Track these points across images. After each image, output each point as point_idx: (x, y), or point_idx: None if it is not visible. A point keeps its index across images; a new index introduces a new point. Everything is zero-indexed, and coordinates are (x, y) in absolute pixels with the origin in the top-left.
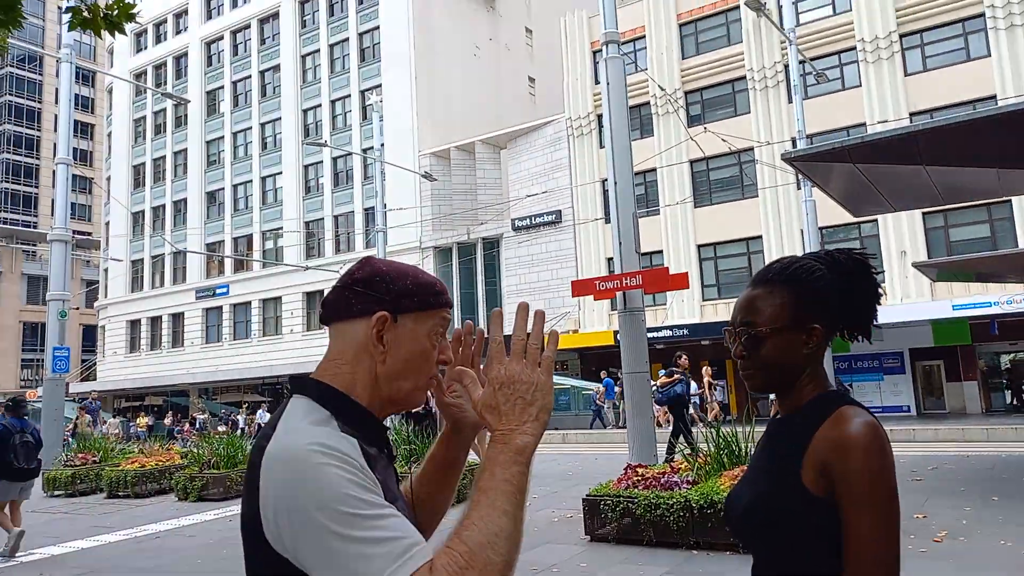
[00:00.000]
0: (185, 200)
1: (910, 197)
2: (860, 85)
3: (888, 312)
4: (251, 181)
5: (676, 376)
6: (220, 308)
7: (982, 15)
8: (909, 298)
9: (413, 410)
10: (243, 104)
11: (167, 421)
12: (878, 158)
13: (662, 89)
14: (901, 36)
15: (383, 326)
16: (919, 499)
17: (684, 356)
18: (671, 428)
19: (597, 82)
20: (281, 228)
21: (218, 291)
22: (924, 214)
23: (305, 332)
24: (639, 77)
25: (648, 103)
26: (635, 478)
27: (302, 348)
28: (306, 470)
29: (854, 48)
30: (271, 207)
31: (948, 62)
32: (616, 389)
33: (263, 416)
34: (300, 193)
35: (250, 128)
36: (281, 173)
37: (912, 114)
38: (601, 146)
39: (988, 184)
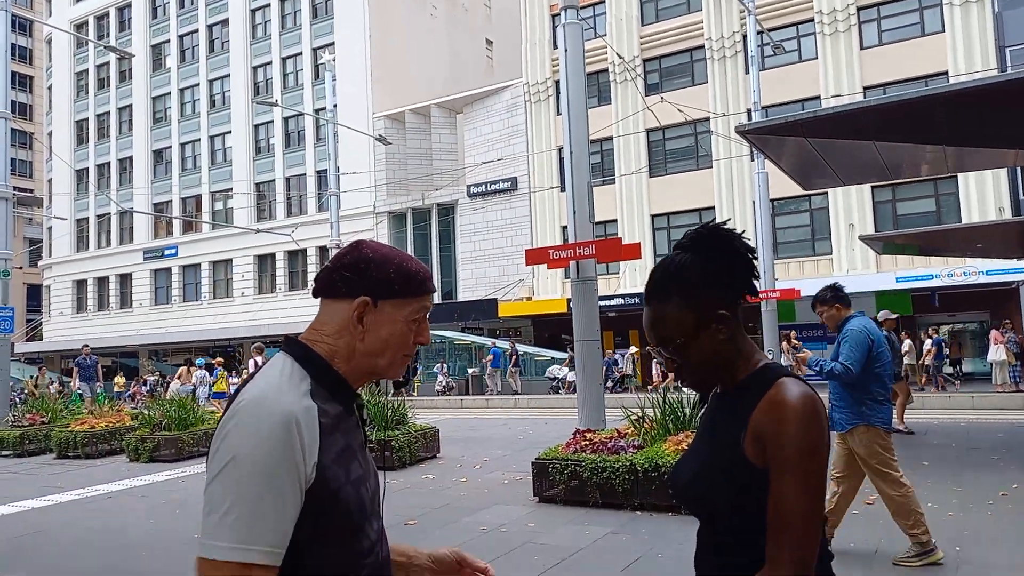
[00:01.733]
0: (131, 158)
1: (859, 172)
2: (816, 58)
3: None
4: (199, 140)
5: None
6: (169, 270)
7: None
8: (855, 270)
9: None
10: (190, 59)
11: (120, 382)
12: (829, 132)
13: (620, 57)
14: (859, 9)
15: (364, 309)
16: None
17: None
18: None
19: (556, 47)
20: (231, 189)
21: (166, 252)
22: (873, 188)
23: (256, 295)
24: (598, 43)
25: (606, 70)
26: (583, 442)
27: (254, 311)
28: (257, 427)
29: (812, 20)
30: (220, 167)
31: (903, 36)
32: (503, 358)
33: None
34: (250, 153)
35: (198, 85)
36: (230, 132)
37: (866, 88)
38: (558, 113)
39: (935, 161)
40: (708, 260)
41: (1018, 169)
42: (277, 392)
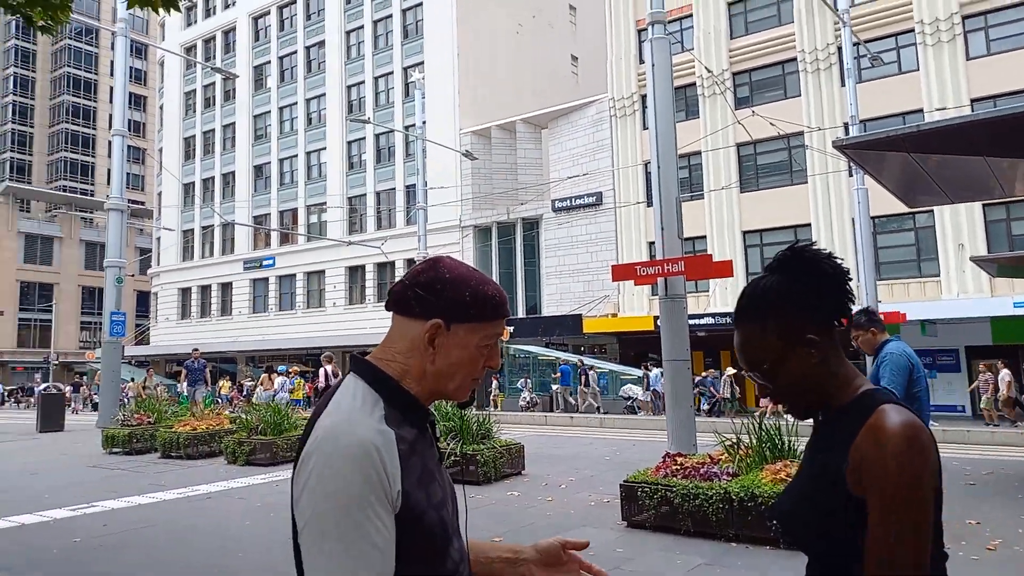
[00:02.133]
0: (233, 173)
1: (968, 189)
2: (918, 69)
3: (943, 307)
4: (296, 156)
5: None
6: (266, 279)
7: None
8: (966, 293)
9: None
10: (289, 79)
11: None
12: (935, 147)
13: (708, 71)
14: (963, 18)
15: (436, 332)
16: (973, 504)
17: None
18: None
19: (642, 61)
20: (325, 203)
21: (264, 263)
22: (984, 206)
23: (347, 306)
24: (685, 57)
25: (694, 84)
26: (674, 467)
27: (344, 321)
28: (341, 464)
29: (912, 30)
30: (315, 182)
31: (1013, 46)
32: (572, 375)
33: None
34: (343, 169)
35: (296, 103)
36: (325, 148)
37: (973, 100)
38: (644, 127)
39: None
40: (794, 281)
41: None
42: (351, 422)
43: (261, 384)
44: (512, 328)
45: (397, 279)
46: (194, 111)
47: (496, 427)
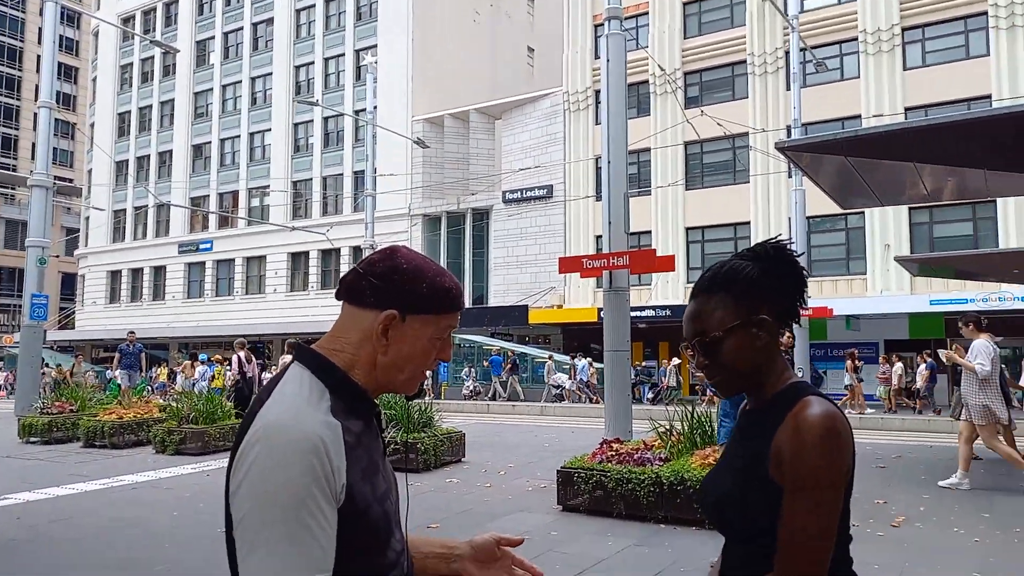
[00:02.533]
0: (170, 152)
1: (898, 193)
2: (859, 76)
3: (867, 304)
4: (239, 136)
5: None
6: (203, 264)
7: (984, 13)
8: (889, 291)
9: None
10: (234, 56)
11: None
12: (870, 152)
13: (661, 69)
14: (903, 29)
15: (390, 323)
16: (881, 486)
17: (789, 334)
18: None
19: (597, 57)
20: (268, 186)
21: (201, 246)
22: (910, 209)
23: (289, 293)
24: (639, 54)
25: (647, 81)
26: (609, 452)
27: (285, 308)
28: (284, 455)
29: (855, 39)
30: (258, 164)
31: (947, 59)
32: (505, 365)
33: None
34: (289, 152)
35: (240, 82)
36: (270, 130)
37: (907, 109)
38: (597, 122)
39: (976, 184)
40: (765, 269)
41: None
42: (297, 414)
43: (182, 372)
44: (458, 317)
45: (343, 267)
46: (130, 85)
47: (438, 415)
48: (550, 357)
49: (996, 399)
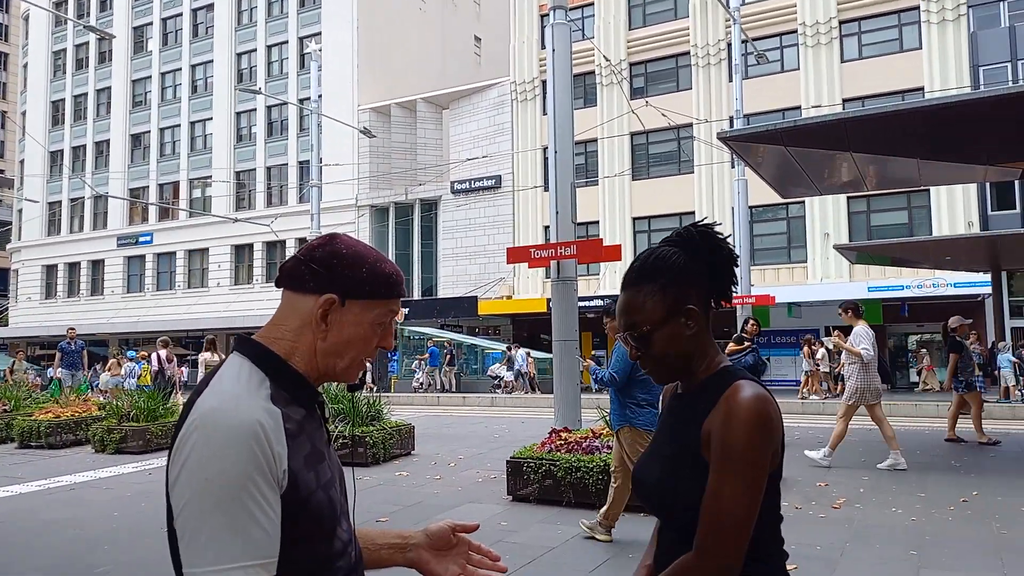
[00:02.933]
0: (108, 141)
1: (836, 182)
2: (798, 68)
3: (808, 291)
4: (179, 125)
5: (747, 344)
6: (143, 257)
7: (916, 8)
8: (829, 278)
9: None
10: (173, 43)
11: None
12: (808, 142)
13: (607, 59)
14: (840, 23)
15: (329, 307)
16: (822, 468)
17: (753, 321)
18: None
19: (544, 47)
20: (210, 177)
21: (141, 239)
22: (848, 199)
23: (232, 286)
24: (585, 45)
25: (593, 72)
26: (558, 442)
27: (229, 302)
28: (223, 442)
29: (795, 31)
30: (200, 154)
31: (882, 52)
32: (444, 357)
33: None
34: (231, 141)
35: (179, 69)
36: (211, 119)
37: (845, 100)
38: (545, 112)
39: (909, 174)
40: (690, 256)
41: (987, 185)
42: (236, 401)
43: (108, 370)
44: (407, 310)
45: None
46: (64, 73)
47: (387, 408)
48: (509, 348)
49: (876, 380)
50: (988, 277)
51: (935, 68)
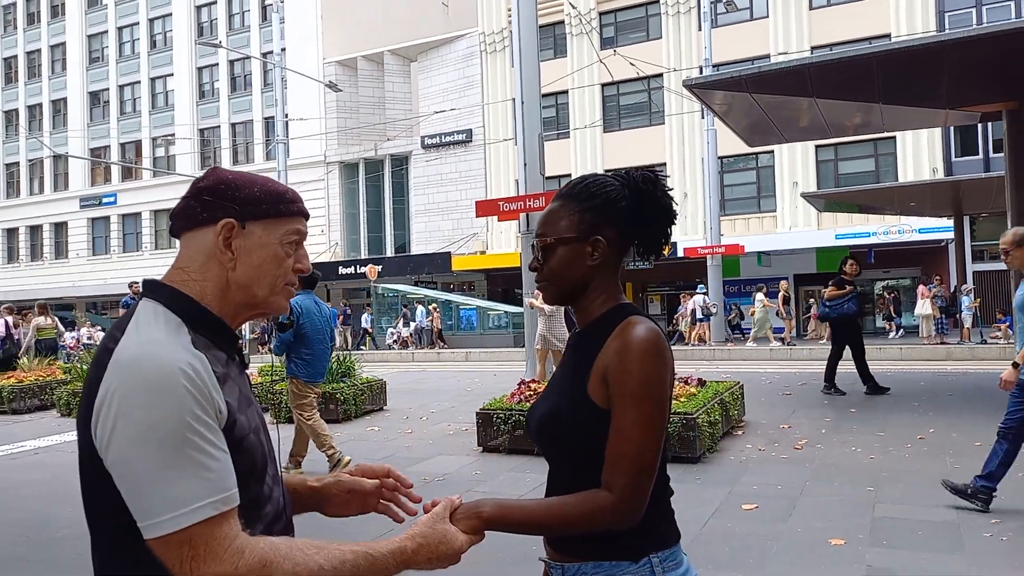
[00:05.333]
0: (65, 100)
1: (801, 129)
2: (767, 16)
3: (777, 239)
4: (139, 82)
5: (848, 288)
6: (107, 218)
7: None
8: (797, 227)
9: (278, 318)
10: None
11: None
12: (772, 89)
13: (575, 8)
14: None
15: (230, 233)
16: (786, 412)
17: (852, 261)
18: (832, 350)
19: None
20: (173, 135)
21: (104, 200)
22: (816, 147)
23: None
24: None
25: (563, 22)
26: (527, 393)
27: None
28: (158, 388)
29: None
30: (161, 111)
31: None
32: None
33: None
34: (194, 98)
35: (137, 24)
36: (172, 75)
37: (813, 48)
38: (513, 64)
39: (872, 119)
40: (630, 195)
41: (951, 132)
42: (158, 346)
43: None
44: (380, 267)
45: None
46: (15, 28)
47: (360, 365)
48: (405, 306)
49: (560, 331)
50: (951, 223)
51: (902, 13)
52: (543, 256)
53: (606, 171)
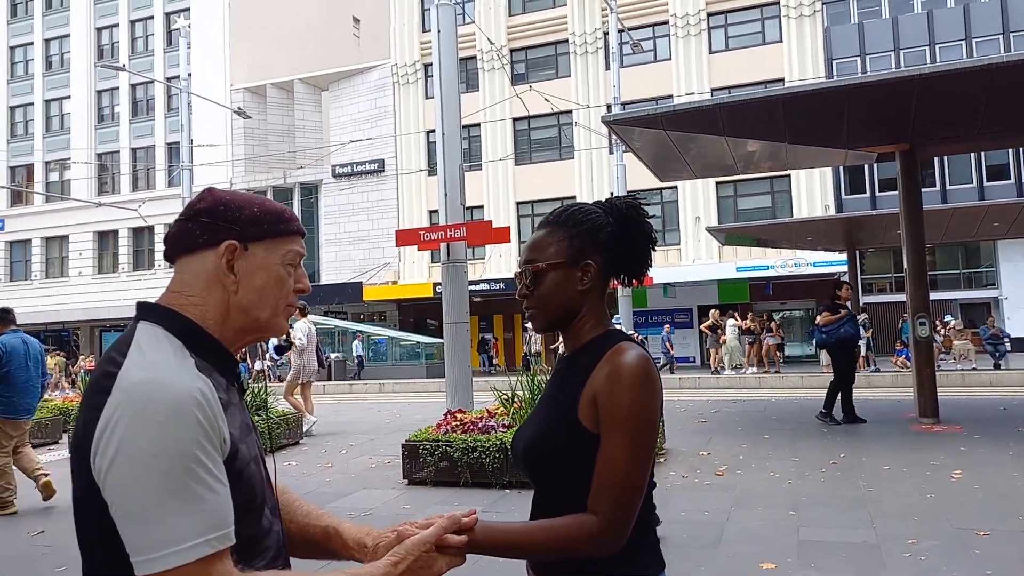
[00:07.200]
0: None
1: (711, 166)
2: (670, 58)
3: (681, 272)
4: (32, 104)
5: (843, 312)
6: None
7: (778, 3)
8: (700, 260)
9: (275, 341)
10: (22, 15)
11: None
12: (686, 127)
13: (491, 43)
14: (708, 15)
15: (233, 255)
16: (704, 439)
17: (847, 285)
18: (835, 377)
19: (425, 30)
20: (69, 159)
21: None
22: (717, 184)
23: (96, 275)
24: (468, 29)
25: (475, 57)
26: (454, 423)
27: (92, 293)
28: (166, 416)
29: (667, 22)
30: (56, 134)
31: (747, 43)
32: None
33: None
34: (92, 121)
35: (31, 43)
36: (69, 97)
37: (713, 90)
38: (427, 96)
39: (778, 158)
40: (617, 224)
41: (841, 169)
42: (166, 371)
43: None
44: None
45: (157, 246)
46: None
47: (272, 398)
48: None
49: (312, 364)
50: (844, 256)
51: (794, 60)
52: (532, 283)
53: (517, 203)
